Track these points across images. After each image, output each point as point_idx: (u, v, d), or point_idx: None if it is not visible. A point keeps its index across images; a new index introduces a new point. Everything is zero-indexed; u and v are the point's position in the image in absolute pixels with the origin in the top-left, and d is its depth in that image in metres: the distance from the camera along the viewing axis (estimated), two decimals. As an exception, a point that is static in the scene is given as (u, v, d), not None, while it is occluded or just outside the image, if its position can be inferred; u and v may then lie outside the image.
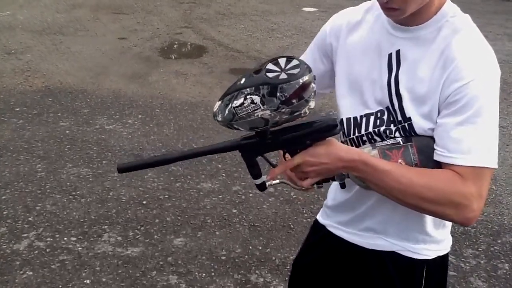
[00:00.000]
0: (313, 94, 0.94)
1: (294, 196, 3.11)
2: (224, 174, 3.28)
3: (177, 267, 2.46)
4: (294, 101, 0.91)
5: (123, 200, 2.94)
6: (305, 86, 0.91)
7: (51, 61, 5.20)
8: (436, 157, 1.02)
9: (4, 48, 5.48)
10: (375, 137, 1.09)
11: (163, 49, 5.91)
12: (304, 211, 2.97)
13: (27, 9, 7.08)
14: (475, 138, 0.98)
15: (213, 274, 2.43)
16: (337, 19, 1.19)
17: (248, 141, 1.01)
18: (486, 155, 0.98)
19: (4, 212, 2.77)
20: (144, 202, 2.94)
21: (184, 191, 3.09)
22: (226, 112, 0.95)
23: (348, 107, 1.15)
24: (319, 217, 1.39)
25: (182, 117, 4.14)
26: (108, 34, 6.25)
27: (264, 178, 1.08)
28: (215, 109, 0.98)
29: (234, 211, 2.94)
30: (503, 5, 9.42)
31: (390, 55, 1.07)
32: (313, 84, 0.93)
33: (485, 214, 3.08)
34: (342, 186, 1.11)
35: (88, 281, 2.32)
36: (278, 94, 0.91)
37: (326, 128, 0.99)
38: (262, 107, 0.92)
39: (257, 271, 2.47)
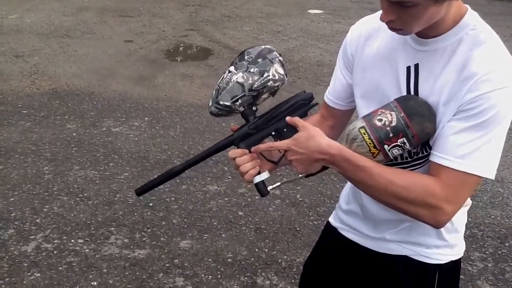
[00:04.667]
0: (277, 59, 1.10)
1: (300, 199, 3.11)
2: (230, 177, 3.28)
3: (184, 269, 2.46)
4: (259, 60, 1.09)
5: (130, 202, 2.95)
6: (267, 49, 1.11)
7: (58, 64, 5.23)
8: (430, 157, 1.03)
9: (11, 51, 5.53)
10: None
11: (169, 51, 5.93)
12: (310, 214, 2.96)
13: (34, 12, 7.13)
14: (474, 145, 0.97)
15: (219, 276, 2.44)
16: (355, 29, 1.19)
17: (238, 132, 1.12)
18: (480, 164, 0.97)
19: (12, 214, 2.79)
20: (151, 204, 2.95)
21: (190, 194, 3.09)
22: (214, 92, 1.12)
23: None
24: (331, 219, 1.40)
25: (188, 119, 4.15)
26: (114, 37, 6.28)
27: (263, 176, 1.12)
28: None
29: (240, 213, 2.94)
30: (509, 6, 9.37)
31: (408, 68, 1.06)
32: (275, 52, 1.11)
33: (492, 217, 3.07)
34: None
35: (95, 283, 2.33)
36: (246, 57, 1.11)
37: (303, 100, 1.11)
38: (236, 72, 1.10)
39: (263, 274, 2.47)
